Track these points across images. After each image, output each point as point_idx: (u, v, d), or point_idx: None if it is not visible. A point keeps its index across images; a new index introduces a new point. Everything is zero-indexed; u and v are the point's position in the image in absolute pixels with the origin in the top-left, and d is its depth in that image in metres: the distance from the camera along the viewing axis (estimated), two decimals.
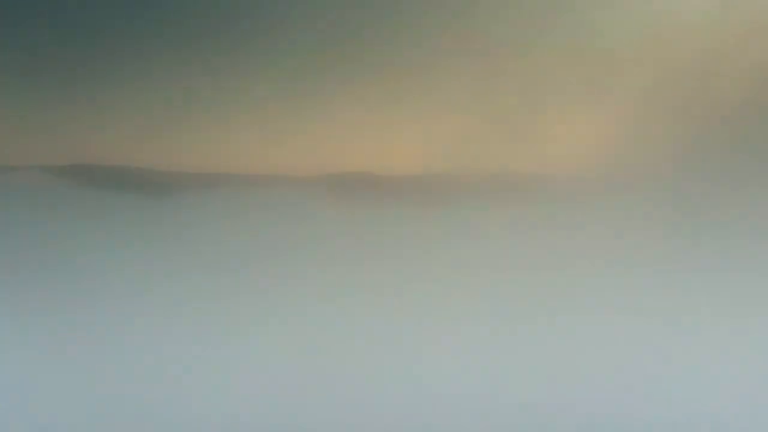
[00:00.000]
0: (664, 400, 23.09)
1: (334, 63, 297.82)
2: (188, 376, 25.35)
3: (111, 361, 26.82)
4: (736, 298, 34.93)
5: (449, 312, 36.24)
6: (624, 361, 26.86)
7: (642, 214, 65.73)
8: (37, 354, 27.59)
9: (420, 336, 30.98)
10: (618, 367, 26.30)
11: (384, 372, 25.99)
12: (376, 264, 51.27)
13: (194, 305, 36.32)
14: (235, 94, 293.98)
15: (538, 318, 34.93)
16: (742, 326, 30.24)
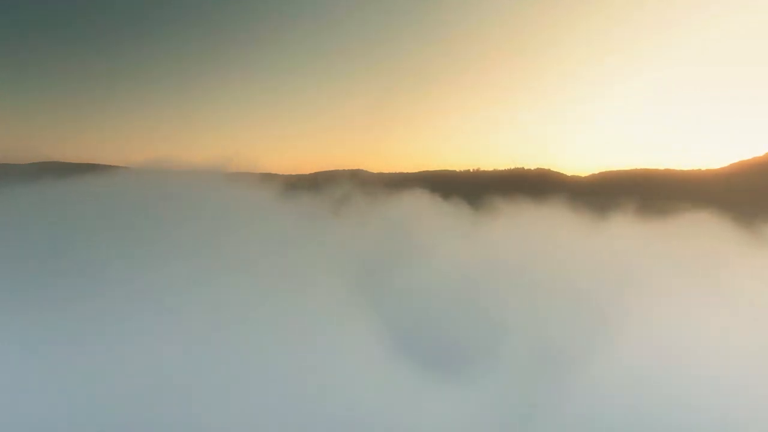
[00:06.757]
0: None
1: (329, 61, 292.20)
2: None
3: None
4: None
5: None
6: None
7: None
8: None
9: (417, 338, 29.14)
10: None
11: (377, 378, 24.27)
12: (362, 262, 46.08)
13: (190, 305, 31.80)
14: (227, 91, 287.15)
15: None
16: None
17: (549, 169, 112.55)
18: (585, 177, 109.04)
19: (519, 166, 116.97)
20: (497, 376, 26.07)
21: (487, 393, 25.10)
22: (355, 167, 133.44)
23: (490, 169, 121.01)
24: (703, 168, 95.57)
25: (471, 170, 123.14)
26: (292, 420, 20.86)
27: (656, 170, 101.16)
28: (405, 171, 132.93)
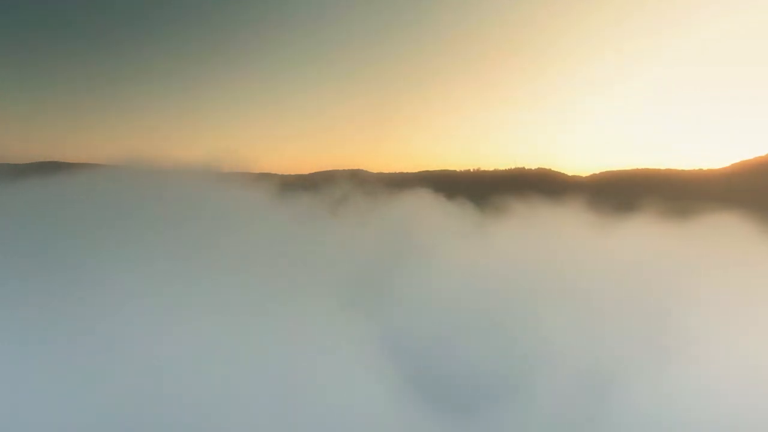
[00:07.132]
0: None
1: (329, 61, 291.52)
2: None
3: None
4: None
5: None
6: None
7: None
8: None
9: (415, 339, 28.95)
10: None
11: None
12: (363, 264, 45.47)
13: (188, 305, 31.10)
14: (226, 91, 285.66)
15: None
16: None
17: (550, 169, 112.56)
18: (586, 177, 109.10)
19: (520, 166, 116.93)
20: (504, 385, 25.54)
21: (491, 401, 24.64)
22: (355, 167, 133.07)
23: (491, 169, 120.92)
24: (705, 168, 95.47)
25: (471, 170, 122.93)
26: (290, 420, 20.65)
27: (657, 170, 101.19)
28: (405, 171, 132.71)
